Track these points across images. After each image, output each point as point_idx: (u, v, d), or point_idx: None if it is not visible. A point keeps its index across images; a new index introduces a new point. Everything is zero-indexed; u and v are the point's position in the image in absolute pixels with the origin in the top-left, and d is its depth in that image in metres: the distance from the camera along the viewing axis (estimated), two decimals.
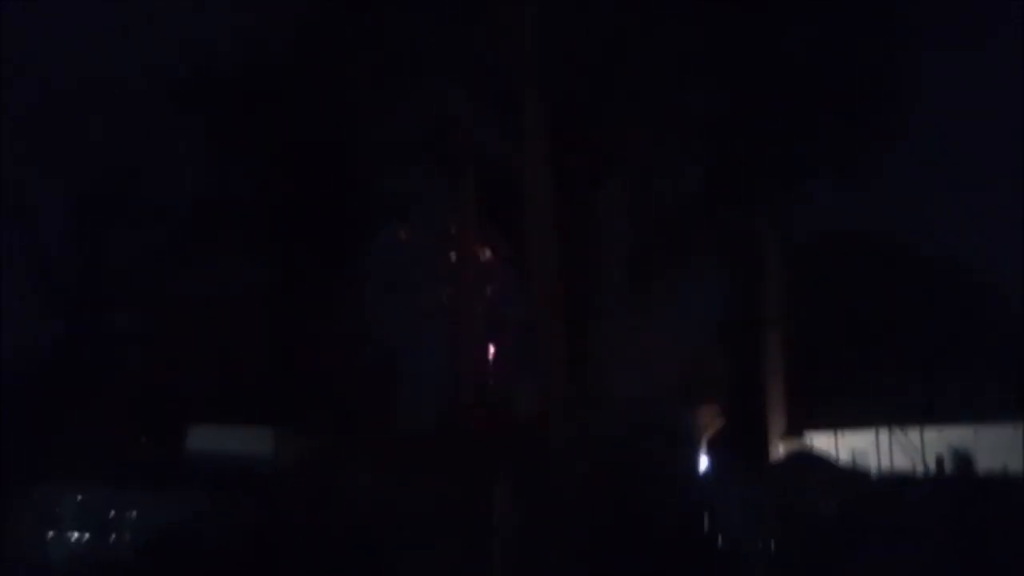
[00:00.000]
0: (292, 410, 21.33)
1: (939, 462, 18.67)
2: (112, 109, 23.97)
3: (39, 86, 23.47)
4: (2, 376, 22.28)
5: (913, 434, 19.76)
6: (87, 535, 14.21)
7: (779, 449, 21.33)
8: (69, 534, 14.23)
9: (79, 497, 14.50)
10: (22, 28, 23.13)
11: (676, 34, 22.94)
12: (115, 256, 24.93)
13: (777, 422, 21.87)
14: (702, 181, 24.59)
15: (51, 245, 24.52)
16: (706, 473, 21.48)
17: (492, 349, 26.80)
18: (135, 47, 23.20)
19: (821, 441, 20.99)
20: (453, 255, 26.05)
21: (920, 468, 18.43)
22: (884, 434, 20.09)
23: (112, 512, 14.24)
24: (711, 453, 23.35)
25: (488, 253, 27.30)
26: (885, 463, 19.71)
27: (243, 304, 25.23)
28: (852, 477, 17.36)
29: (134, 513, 14.25)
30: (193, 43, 23.39)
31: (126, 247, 25.00)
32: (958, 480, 15.91)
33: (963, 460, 16.66)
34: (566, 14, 21.95)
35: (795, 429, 21.59)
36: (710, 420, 24.16)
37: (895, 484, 17.16)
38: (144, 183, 24.65)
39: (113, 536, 14.14)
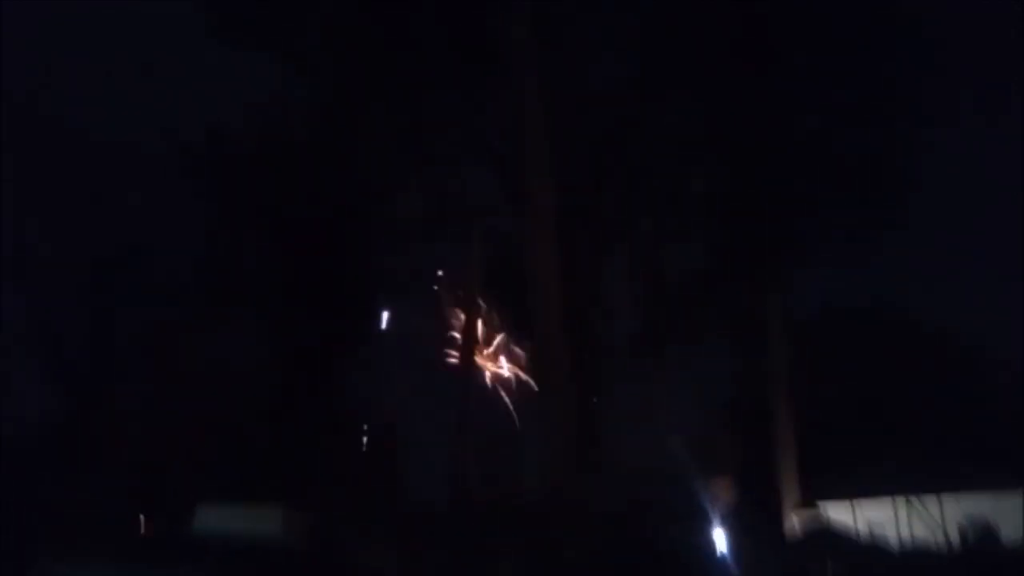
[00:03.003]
0: (299, 488, 21.04)
1: (961, 532, 18.32)
2: (123, 183, 24.22)
3: (47, 158, 23.70)
4: (6, 450, 22.04)
5: (931, 504, 19.39)
6: None
7: (794, 521, 20.91)
8: None
9: None
10: (34, 98, 23.39)
11: (682, 112, 23.30)
12: (122, 330, 24.84)
13: (791, 494, 21.49)
14: (709, 255, 24.68)
15: (58, 319, 24.42)
16: (719, 546, 21.02)
17: (497, 424, 26.57)
18: (150, 122, 23.56)
19: (837, 512, 20.58)
20: (459, 330, 26.03)
21: (940, 539, 18.07)
22: (901, 504, 19.70)
23: None
24: (724, 526, 22.91)
25: (494, 328, 27.29)
26: (904, 534, 19.29)
27: (251, 380, 25.12)
28: (872, 548, 16.98)
29: None
30: (206, 119, 23.82)
31: (134, 321, 24.95)
32: (982, 551, 15.56)
33: (986, 530, 16.31)
34: (574, 92, 22.37)
35: (809, 501, 21.20)
36: (722, 493, 23.78)
37: (917, 555, 16.80)
38: (153, 257, 24.75)
39: None
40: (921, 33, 21.62)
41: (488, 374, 26.84)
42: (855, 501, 20.46)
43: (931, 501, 19.36)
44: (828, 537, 16.85)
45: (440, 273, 26.97)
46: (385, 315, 26.58)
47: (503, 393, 27.16)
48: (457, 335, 25.72)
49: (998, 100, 23.87)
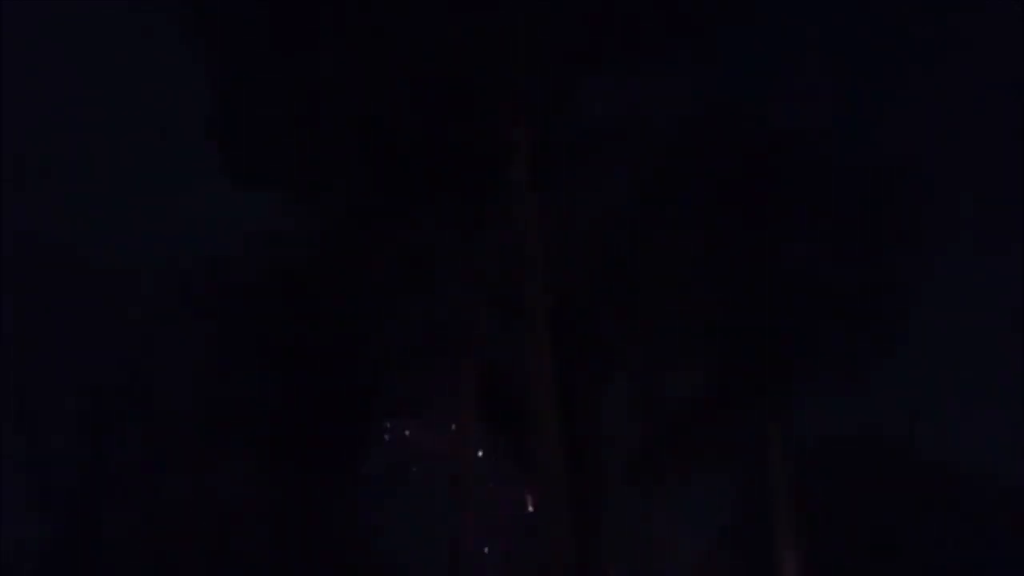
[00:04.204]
0: None
1: None
2: (117, 310, 24.45)
3: (42, 289, 24.01)
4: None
5: None
6: None
7: None
8: None
9: None
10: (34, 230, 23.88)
11: (681, 241, 23.71)
12: (116, 457, 24.64)
13: None
14: (709, 382, 24.72)
15: (52, 446, 24.26)
16: None
17: (495, 544, 26.14)
18: (143, 250, 23.90)
19: None
20: (455, 452, 25.81)
21: None
22: None
23: None
24: None
25: (491, 450, 27.06)
26: None
27: (247, 506, 24.78)
28: None
29: None
30: (202, 248, 24.18)
31: (128, 448, 24.78)
32: None
33: None
34: (569, 215, 22.86)
35: None
36: None
37: None
38: (148, 384, 24.75)
39: None
40: (918, 169, 22.27)
41: (487, 502, 26.49)
42: None
43: None
44: None
45: (437, 400, 26.94)
46: (381, 442, 26.46)
47: (500, 521, 26.74)
48: (454, 454, 25.52)
49: (996, 238, 24.46)
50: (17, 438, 23.51)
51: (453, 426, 25.65)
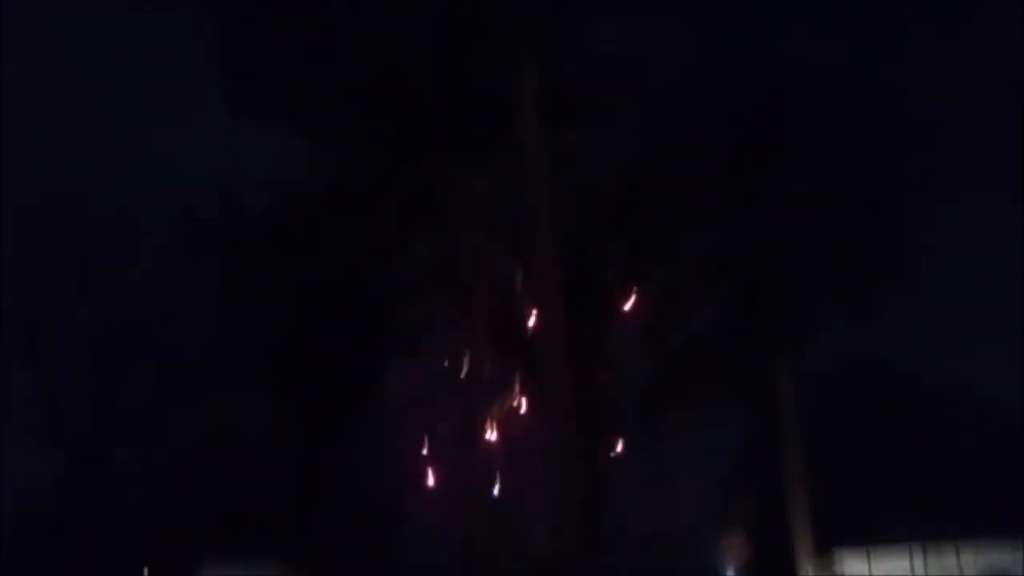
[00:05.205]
0: (301, 546, 20.82)
1: None
2: (127, 251, 24.69)
3: (53, 231, 24.24)
4: (12, 514, 21.93)
5: (947, 552, 19.14)
6: None
7: (809, 571, 20.58)
8: None
9: None
10: (44, 172, 24.06)
11: (690, 175, 23.78)
12: (126, 394, 24.90)
13: (805, 545, 21.18)
14: (718, 317, 24.85)
15: (63, 384, 24.52)
16: None
17: (504, 488, 26.34)
18: (153, 190, 24.01)
19: (852, 565, 20.30)
20: (465, 393, 26.02)
21: None
22: (917, 553, 19.44)
23: None
24: None
25: (500, 391, 27.24)
26: None
27: (255, 443, 25.05)
28: None
29: None
30: (210, 187, 24.31)
31: (140, 387, 25.04)
32: None
33: None
34: (581, 154, 22.97)
35: (824, 551, 20.90)
36: (736, 549, 23.45)
37: None
38: (157, 322, 24.95)
39: None
40: (923, 106, 22.33)
41: (495, 438, 26.70)
42: (870, 550, 20.19)
43: (947, 549, 19.11)
44: None
45: (447, 338, 27.05)
46: (391, 378, 26.63)
47: (511, 457, 26.96)
48: (464, 398, 25.71)
49: (999, 169, 24.52)
50: (29, 376, 23.78)
51: (464, 361, 25.88)
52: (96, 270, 24.47)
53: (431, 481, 24.36)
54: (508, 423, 26.97)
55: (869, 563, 20.21)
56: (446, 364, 26.03)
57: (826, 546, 20.68)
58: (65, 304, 24.34)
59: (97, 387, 24.36)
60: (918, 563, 19.52)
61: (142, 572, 21.62)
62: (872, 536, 20.29)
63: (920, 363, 25.43)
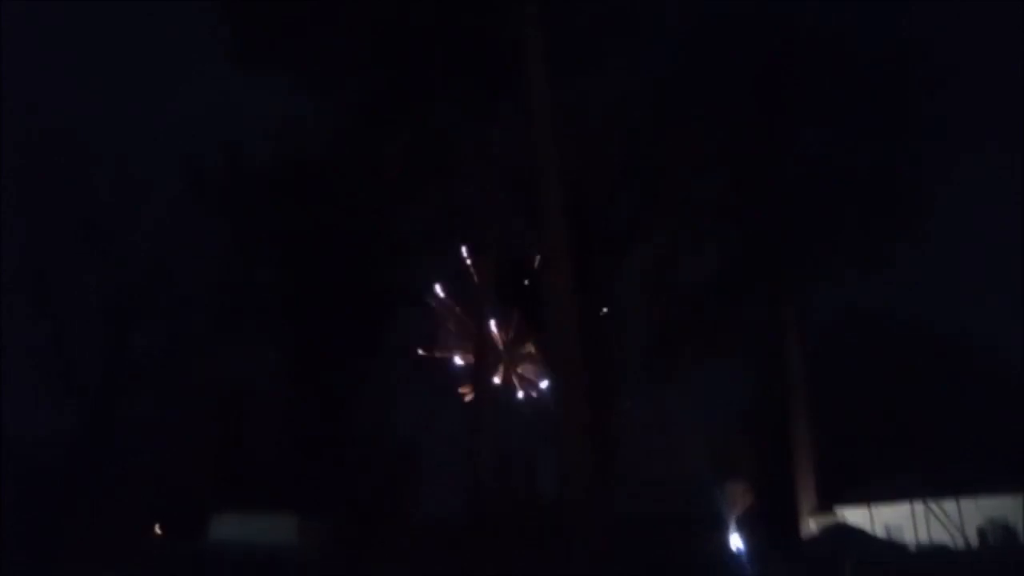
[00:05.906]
0: (314, 498, 21.05)
1: (980, 534, 18.14)
2: (137, 202, 24.42)
3: (65, 183, 23.90)
4: (26, 462, 22.16)
5: (949, 507, 19.21)
6: None
7: (812, 525, 20.79)
8: None
9: None
10: (56, 120, 23.60)
11: (696, 123, 23.27)
12: (139, 347, 24.90)
13: (808, 499, 21.37)
14: (725, 266, 24.61)
15: (74, 336, 24.49)
16: (738, 551, 20.95)
17: (513, 435, 26.55)
18: (163, 141, 23.68)
19: (854, 516, 20.45)
20: (475, 341, 26.04)
21: (959, 540, 17.91)
22: (919, 507, 19.53)
23: None
24: (741, 532, 22.83)
25: (509, 339, 27.26)
26: (922, 536, 19.13)
27: (266, 393, 25.19)
28: (889, 550, 16.85)
29: None
30: (219, 139, 24.00)
31: (151, 338, 25.02)
32: (1001, 552, 15.42)
33: (1005, 531, 16.15)
34: (587, 103, 22.43)
35: (827, 505, 21.07)
36: (740, 499, 23.69)
37: (935, 556, 16.65)
38: (169, 274, 24.84)
39: None
40: (932, 55, 21.65)
41: (503, 385, 26.84)
42: (872, 505, 20.33)
43: (949, 504, 19.17)
44: (845, 540, 16.71)
45: (455, 286, 27.02)
46: (400, 328, 26.62)
47: (520, 404, 27.15)
48: (472, 347, 25.74)
49: (1003, 116, 23.87)
50: (42, 328, 23.74)
51: (473, 314, 25.81)
52: (106, 222, 24.23)
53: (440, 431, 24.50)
54: (516, 369, 27.01)
55: (871, 515, 20.32)
56: (456, 311, 25.91)
57: (828, 503, 20.87)
58: (76, 255, 24.15)
59: (107, 339, 24.33)
60: (919, 514, 19.56)
61: (153, 526, 21.96)
62: (875, 494, 20.40)
63: (926, 313, 25.36)
